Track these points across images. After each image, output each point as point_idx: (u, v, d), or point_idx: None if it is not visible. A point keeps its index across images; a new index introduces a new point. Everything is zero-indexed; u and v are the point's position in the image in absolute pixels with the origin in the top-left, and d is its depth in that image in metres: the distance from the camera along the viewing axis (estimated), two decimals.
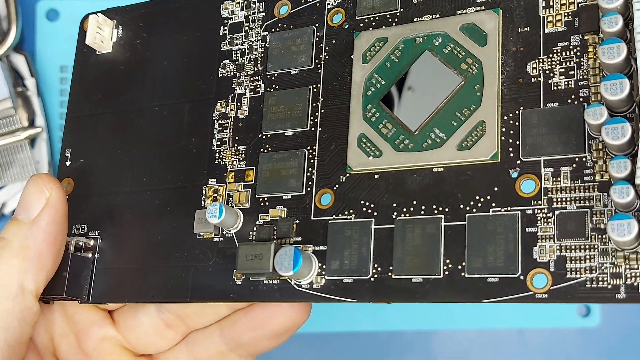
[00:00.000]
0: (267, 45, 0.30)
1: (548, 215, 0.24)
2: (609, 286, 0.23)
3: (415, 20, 0.28)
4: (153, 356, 0.32)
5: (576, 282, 0.23)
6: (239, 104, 0.30)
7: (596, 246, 0.23)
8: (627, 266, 0.23)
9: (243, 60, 0.30)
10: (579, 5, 0.25)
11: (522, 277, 0.24)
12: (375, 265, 0.26)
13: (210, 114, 0.30)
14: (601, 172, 0.24)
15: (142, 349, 0.31)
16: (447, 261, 0.25)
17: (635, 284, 0.22)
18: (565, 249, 0.23)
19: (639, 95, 0.23)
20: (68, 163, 0.33)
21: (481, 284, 0.24)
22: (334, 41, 0.29)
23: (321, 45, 0.29)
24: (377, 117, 0.27)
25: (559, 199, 0.24)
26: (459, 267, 0.25)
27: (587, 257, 0.23)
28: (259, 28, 0.31)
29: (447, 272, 0.25)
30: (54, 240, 0.29)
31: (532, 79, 0.25)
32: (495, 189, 0.25)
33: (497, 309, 0.41)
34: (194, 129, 0.31)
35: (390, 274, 0.26)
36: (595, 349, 0.40)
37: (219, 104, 0.30)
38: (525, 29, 0.26)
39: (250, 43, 0.31)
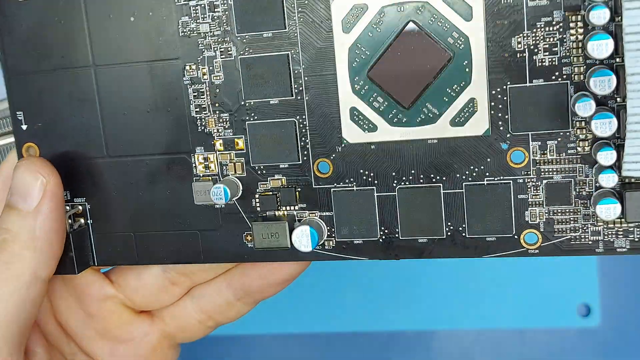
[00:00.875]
0: (229, 2, 0.29)
1: (537, 184, 0.28)
2: (590, 242, 0.28)
3: None
4: (154, 312, 0.34)
5: (562, 240, 0.28)
6: (210, 68, 0.29)
7: (579, 210, 0.27)
8: (605, 226, 0.27)
9: (205, 19, 0.29)
10: None
11: (516, 236, 0.28)
12: (382, 228, 0.29)
13: (181, 78, 0.30)
14: (583, 146, 0.27)
15: (145, 307, 0.34)
16: (449, 224, 0.28)
17: (611, 240, 0.27)
18: (552, 213, 0.28)
19: (625, 92, 0.25)
20: (24, 127, 0.32)
21: (481, 243, 0.28)
22: (305, 1, 0.28)
23: (292, 4, 0.28)
24: (367, 90, 0.28)
25: (547, 170, 0.27)
26: (460, 228, 0.28)
27: (572, 219, 0.28)
28: None
29: (449, 233, 0.28)
30: (59, 227, 0.30)
31: (518, 54, 0.27)
32: (488, 160, 0.28)
33: (497, 309, 0.40)
34: (165, 93, 0.30)
35: (397, 235, 0.29)
36: (595, 349, 0.40)
37: (187, 67, 0.30)
38: (509, 1, 0.26)
39: None
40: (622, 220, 0.27)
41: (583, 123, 0.27)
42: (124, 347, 0.33)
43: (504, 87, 0.27)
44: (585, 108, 0.26)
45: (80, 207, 0.32)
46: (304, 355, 0.44)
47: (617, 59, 0.26)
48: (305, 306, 0.43)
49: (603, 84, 0.25)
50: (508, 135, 0.27)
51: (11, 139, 0.41)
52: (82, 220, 0.32)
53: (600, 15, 0.25)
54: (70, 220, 0.32)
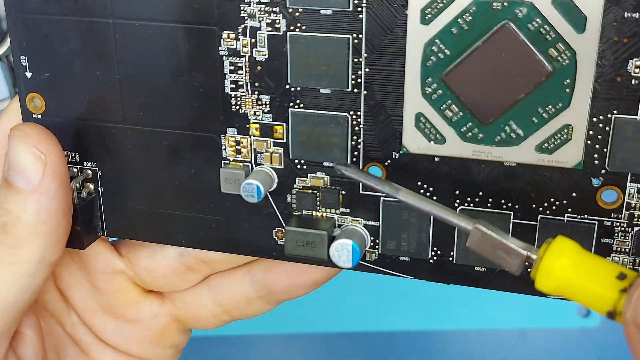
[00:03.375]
0: None
1: (627, 230, 0.23)
2: None
3: None
4: (165, 293, 0.31)
5: None
6: (253, 41, 0.24)
7: None
8: None
9: None
10: None
11: None
12: (435, 249, 0.25)
13: (216, 47, 0.25)
14: None
15: (156, 288, 0.30)
16: None
17: None
18: (637, 264, 0.24)
19: None
20: (29, 74, 0.27)
21: None
22: None
23: None
24: (440, 96, 0.23)
25: (637, 216, 0.23)
26: (526, 263, 0.24)
27: None
28: None
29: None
30: (66, 207, 0.26)
31: (633, 80, 0.22)
32: (574, 194, 0.23)
33: (497, 309, 0.38)
34: (196, 62, 0.25)
35: (451, 258, 0.25)
36: (595, 349, 0.38)
37: (225, 35, 0.24)
38: (634, 15, 0.21)
39: None
40: None
41: None
42: (129, 326, 0.30)
43: (609, 115, 0.22)
44: None
45: (89, 172, 0.28)
46: (304, 355, 0.43)
47: None
48: (305, 306, 0.42)
49: None
50: (602, 171, 0.23)
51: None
52: (92, 186, 0.28)
53: None
54: (78, 185, 0.28)
